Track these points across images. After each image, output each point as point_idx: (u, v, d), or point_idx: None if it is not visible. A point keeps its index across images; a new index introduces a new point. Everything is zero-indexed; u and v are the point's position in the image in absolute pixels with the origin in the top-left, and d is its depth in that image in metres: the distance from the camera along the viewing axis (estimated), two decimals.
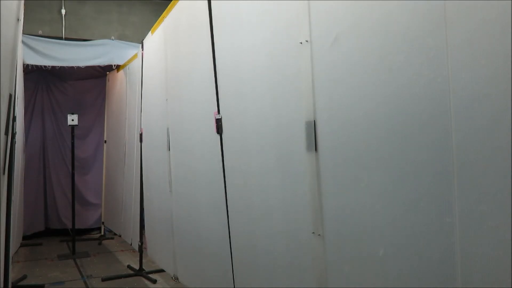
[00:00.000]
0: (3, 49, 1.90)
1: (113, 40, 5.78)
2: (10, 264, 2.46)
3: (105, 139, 6.39)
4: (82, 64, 5.35)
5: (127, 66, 5.31)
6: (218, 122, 2.66)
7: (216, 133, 2.69)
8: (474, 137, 1.18)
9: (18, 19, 2.44)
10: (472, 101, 1.18)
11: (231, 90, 2.54)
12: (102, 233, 6.21)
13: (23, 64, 4.94)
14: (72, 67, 5.34)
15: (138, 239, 4.51)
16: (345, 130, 1.65)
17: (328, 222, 1.76)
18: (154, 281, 3.93)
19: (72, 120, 5.05)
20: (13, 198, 2.34)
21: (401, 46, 1.40)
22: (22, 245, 5.46)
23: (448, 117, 1.24)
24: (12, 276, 3.72)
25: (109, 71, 6.16)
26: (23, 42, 4.78)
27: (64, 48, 5.36)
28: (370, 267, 1.56)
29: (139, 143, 4.60)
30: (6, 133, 2.07)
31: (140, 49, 4.56)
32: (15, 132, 2.47)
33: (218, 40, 2.67)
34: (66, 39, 5.62)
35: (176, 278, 3.73)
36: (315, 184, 1.80)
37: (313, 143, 1.80)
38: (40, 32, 5.56)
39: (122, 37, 5.98)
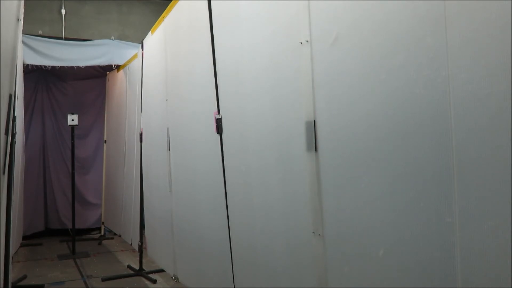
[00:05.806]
0: (3, 49, 1.90)
1: (113, 40, 5.78)
2: (10, 264, 2.46)
3: (105, 139, 6.39)
4: (82, 64, 5.36)
5: (127, 66, 5.31)
6: (218, 122, 2.66)
7: (216, 133, 2.69)
8: (474, 137, 1.18)
9: (18, 19, 2.44)
10: (472, 101, 1.18)
11: (231, 90, 2.54)
12: (102, 233, 6.21)
13: (23, 64, 4.94)
14: (72, 67, 5.34)
15: (138, 239, 4.51)
16: (345, 130, 1.65)
17: (328, 222, 1.76)
18: (154, 281, 3.93)
19: (72, 120, 5.05)
20: (13, 198, 2.34)
21: (401, 46, 1.40)
22: (22, 245, 5.46)
23: (448, 117, 1.24)
24: (12, 276, 3.72)
25: (109, 71, 6.16)
26: (23, 42, 4.78)
27: (64, 48, 5.36)
28: (370, 267, 1.56)
29: (139, 143, 4.60)
30: (6, 133, 2.07)
31: (140, 49, 4.56)
32: (15, 132, 2.47)
33: (218, 40, 2.67)
34: (66, 39, 5.62)
35: (176, 278, 3.73)
36: (315, 184, 1.80)
37: (313, 143, 1.80)
38: (40, 32, 5.56)
39: (122, 37, 5.98)
